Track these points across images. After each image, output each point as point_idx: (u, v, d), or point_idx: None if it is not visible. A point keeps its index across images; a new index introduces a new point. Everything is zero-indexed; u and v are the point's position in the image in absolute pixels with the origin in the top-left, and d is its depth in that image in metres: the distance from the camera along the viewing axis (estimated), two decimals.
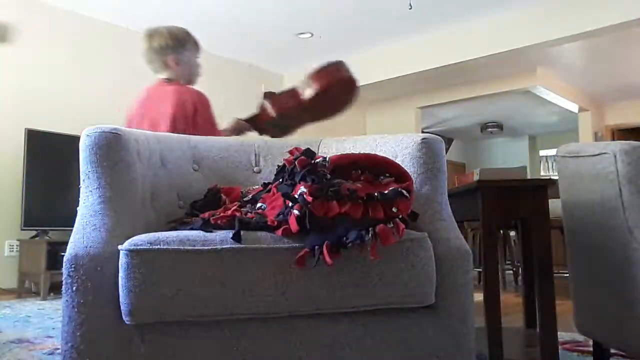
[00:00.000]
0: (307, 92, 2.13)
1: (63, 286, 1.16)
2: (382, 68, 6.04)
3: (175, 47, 2.22)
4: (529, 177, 1.92)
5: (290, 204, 1.19)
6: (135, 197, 1.33)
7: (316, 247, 1.12)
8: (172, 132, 2.02)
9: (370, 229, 1.13)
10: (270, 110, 2.21)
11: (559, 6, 4.81)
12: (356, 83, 2.21)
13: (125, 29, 5.31)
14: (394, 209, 1.19)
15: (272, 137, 2.28)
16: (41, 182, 4.23)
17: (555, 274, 1.84)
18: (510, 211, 1.82)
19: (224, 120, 2.33)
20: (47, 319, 2.98)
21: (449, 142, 10.34)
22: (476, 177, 1.92)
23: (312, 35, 5.63)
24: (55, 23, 4.81)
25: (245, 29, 5.40)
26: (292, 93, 2.19)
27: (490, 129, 9.48)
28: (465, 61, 5.47)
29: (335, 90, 2.16)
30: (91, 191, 1.27)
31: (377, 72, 6.04)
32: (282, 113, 2.21)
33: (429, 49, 5.67)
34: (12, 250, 4.38)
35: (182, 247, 1.12)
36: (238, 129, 2.32)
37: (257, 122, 2.29)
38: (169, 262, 1.11)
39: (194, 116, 2.08)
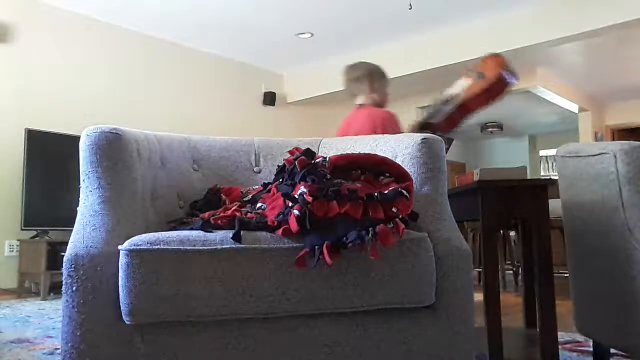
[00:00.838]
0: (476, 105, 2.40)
1: (63, 286, 1.16)
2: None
3: (369, 76, 2.78)
4: (529, 177, 1.92)
5: (290, 204, 1.19)
6: (135, 197, 1.33)
7: (316, 247, 1.12)
8: None
9: (370, 229, 1.13)
10: (443, 126, 2.54)
11: (559, 6, 4.81)
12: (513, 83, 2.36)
13: (125, 29, 5.31)
14: (393, 209, 1.19)
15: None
16: (41, 182, 4.23)
17: (555, 274, 1.84)
18: (510, 211, 1.81)
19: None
20: (47, 319, 2.98)
21: (449, 142, 10.32)
22: (476, 177, 1.92)
23: (312, 35, 5.62)
24: (55, 23, 4.81)
25: (246, 29, 5.40)
26: (461, 108, 2.45)
27: (490, 129, 9.48)
28: (465, 61, 5.46)
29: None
30: (91, 191, 1.27)
31: None
32: (452, 129, 2.57)
33: (429, 49, 5.67)
34: (12, 250, 4.38)
35: (182, 247, 1.12)
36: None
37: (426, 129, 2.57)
38: (169, 262, 1.11)
39: (384, 130, 2.54)
